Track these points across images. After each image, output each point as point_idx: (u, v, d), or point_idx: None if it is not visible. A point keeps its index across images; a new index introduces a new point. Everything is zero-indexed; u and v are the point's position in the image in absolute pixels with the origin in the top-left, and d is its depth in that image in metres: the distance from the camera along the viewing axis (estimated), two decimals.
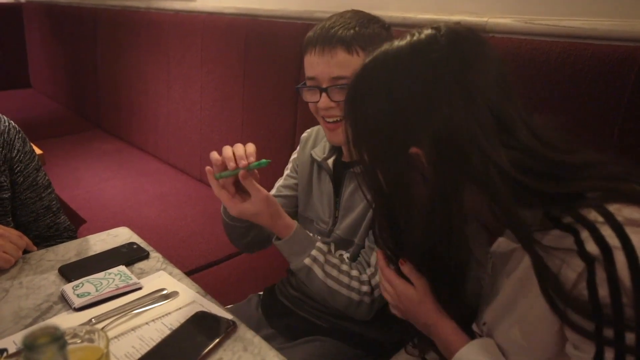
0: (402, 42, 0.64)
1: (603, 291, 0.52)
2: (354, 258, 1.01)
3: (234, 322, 0.80)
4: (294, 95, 1.61)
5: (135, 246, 1.03)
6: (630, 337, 0.52)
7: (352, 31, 0.90)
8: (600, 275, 0.52)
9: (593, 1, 1.02)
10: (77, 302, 0.84)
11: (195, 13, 2.16)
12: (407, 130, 0.62)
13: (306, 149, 1.12)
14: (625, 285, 0.51)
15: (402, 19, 1.31)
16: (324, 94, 0.93)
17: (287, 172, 1.18)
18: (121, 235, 1.09)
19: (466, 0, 1.27)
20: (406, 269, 0.76)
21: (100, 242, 1.06)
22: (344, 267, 0.96)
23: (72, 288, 0.87)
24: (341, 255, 1.02)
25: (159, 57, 2.32)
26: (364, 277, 0.96)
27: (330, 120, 0.96)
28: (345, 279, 0.95)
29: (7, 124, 1.14)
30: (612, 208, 0.55)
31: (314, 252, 0.95)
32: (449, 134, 0.59)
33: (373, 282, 0.95)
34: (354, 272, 0.96)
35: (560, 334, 0.59)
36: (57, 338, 0.38)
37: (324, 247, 0.96)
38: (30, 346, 0.37)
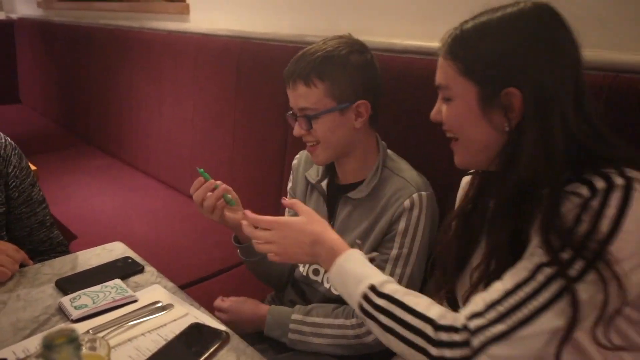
0: (507, 9, 0.72)
1: (586, 217, 0.61)
2: None
3: (227, 333, 0.83)
4: (284, 115, 1.65)
5: (130, 260, 1.06)
6: (576, 267, 0.61)
7: (310, 65, 0.98)
8: (594, 204, 0.61)
9: None
10: (75, 313, 0.86)
11: (189, 34, 2.21)
12: (508, 71, 0.69)
13: (298, 174, 1.17)
14: (606, 219, 0.61)
15: (388, 44, 1.37)
16: (296, 122, 1.03)
17: None
18: (116, 250, 1.12)
19: (449, 26, 1.34)
20: (287, 202, 0.89)
21: (95, 256, 1.09)
22: (327, 321, 1.02)
23: (70, 300, 0.90)
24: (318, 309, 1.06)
25: (152, 75, 2.36)
26: (349, 322, 1.01)
27: (308, 144, 1.05)
28: (336, 331, 1.01)
29: (3, 140, 1.17)
30: (630, 172, 0.63)
31: (292, 326, 1.03)
32: (546, 85, 0.68)
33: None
34: (339, 321, 1.01)
35: None
36: (73, 339, 0.41)
37: (299, 316, 1.04)
38: (48, 345, 0.40)
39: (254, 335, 1.13)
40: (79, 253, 1.10)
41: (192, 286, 1.50)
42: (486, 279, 0.73)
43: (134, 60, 2.52)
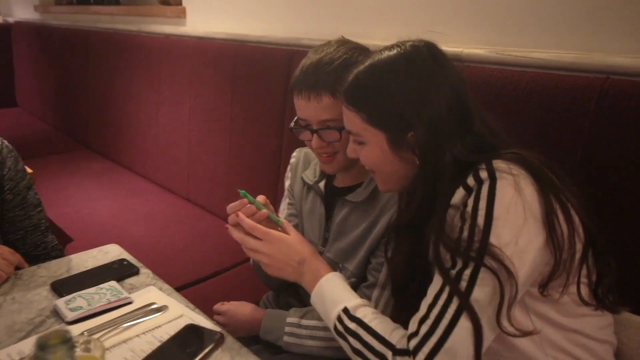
0: (392, 52, 0.79)
1: (466, 216, 0.68)
2: None
3: (221, 334, 0.83)
4: (280, 118, 1.67)
5: (125, 262, 1.07)
6: (465, 277, 0.66)
7: (333, 75, 0.93)
8: (469, 202, 0.68)
9: (559, 35, 1.11)
10: (70, 315, 0.86)
11: (186, 37, 2.22)
12: (407, 118, 0.76)
13: (297, 173, 1.16)
14: (481, 211, 0.67)
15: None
16: (315, 135, 0.98)
17: (287, 200, 1.21)
18: (111, 252, 1.12)
19: (443, 31, 1.35)
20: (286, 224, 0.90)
21: (91, 258, 1.09)
22: (322, 324, 0.99)
23: (65, 302, 0.90)
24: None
25: (149, 79, 2.37)
26: None
27: (325, 155, 1.01)
28: (330, 334, 0.98)
29: (0, 143, 1.17)
30: (495, 163, 0.70)
31: (287, 329, 1.01)
32: (435, 121, 0.75)
33: (380, 306, 0.96)
34: None
35: None
36: (67, 340, 0.42)
37: (294, 319, 1.02)
38: (43, 346, 0.41)
39: (249, 336, 1.13)
40: (75, 255, 1.11)
41: (187, 288, 1.50)
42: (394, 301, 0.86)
43: (131, 64, 2.53)
